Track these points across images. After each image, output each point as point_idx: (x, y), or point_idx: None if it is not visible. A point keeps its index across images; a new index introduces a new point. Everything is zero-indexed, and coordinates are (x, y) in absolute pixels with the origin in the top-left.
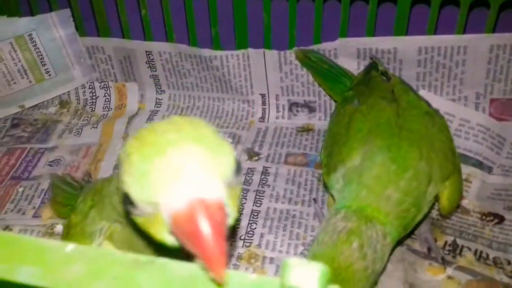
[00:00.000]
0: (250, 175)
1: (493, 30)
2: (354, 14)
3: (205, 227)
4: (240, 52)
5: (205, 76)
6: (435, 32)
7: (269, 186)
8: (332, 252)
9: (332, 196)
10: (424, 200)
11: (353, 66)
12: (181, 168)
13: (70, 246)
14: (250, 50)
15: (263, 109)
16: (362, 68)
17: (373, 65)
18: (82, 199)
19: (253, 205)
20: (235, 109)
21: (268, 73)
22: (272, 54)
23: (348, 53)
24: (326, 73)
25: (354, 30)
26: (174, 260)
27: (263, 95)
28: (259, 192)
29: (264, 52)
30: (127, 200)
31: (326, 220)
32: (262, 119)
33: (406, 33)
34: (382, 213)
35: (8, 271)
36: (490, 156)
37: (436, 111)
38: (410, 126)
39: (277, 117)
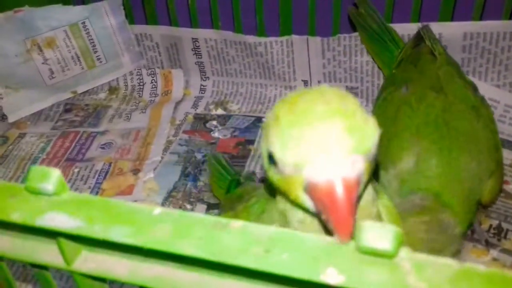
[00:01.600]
0: None
1: None
2: (398, 0)
3: (342, 204)
4: (284, 38)
5: (249, 63)
6: (480, 18)
7: None
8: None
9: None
10: (475, 198)
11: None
12: (328, 142)
13: (157, 210)
14: (294, 37)
15: None
16: None
17: (422, 36)
18: (257, 201)
19: None
20: (277, 95)
21: (310, 59)
22: (315, 41)
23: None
24: (374, 35)
25: (398, 16)
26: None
27: (305, 81)
28: None
29: (307, 38)
30: (270, 157)
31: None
32: None
33: (452, 18)
34: (455, 204)
35: (102, 230)
36: None
37: (482, 100)
38: (457, 124)
39: None
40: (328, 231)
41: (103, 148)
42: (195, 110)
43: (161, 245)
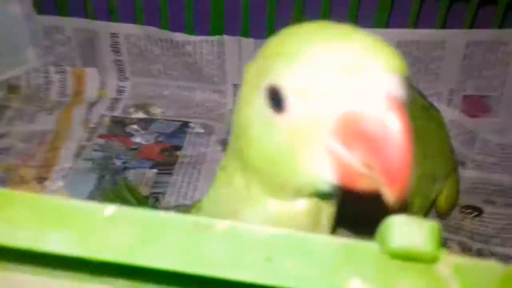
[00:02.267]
0: None
1: (471, 26)
2: (336, 4)
3: (399, 131)
4: (214, 38)
5: (175, 63)
6: (415, 26)
7: None
8: None
9: None
10: (428, 200)
11: None
12: (368, 58)
13: (109, 209)
14: (226, 37)
15: (235, 100)
16: None
17: None
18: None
19: None
20: (205, 99)
21: (242, 62)
22: (248, 42)
23: None
24: None
25: (336, 20)
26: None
27: (236, 86)
28: None
29: (240, 39)
30: (270, 102)
31: None
32: (232, 110)
33: (387, 25)
34: None
35: (29, 238)
36: (463, 152)
37: (432, 105)
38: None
39: None
40: (316, 226)
41: (0, 153)
42: (112, 112)
43: (120, 255)
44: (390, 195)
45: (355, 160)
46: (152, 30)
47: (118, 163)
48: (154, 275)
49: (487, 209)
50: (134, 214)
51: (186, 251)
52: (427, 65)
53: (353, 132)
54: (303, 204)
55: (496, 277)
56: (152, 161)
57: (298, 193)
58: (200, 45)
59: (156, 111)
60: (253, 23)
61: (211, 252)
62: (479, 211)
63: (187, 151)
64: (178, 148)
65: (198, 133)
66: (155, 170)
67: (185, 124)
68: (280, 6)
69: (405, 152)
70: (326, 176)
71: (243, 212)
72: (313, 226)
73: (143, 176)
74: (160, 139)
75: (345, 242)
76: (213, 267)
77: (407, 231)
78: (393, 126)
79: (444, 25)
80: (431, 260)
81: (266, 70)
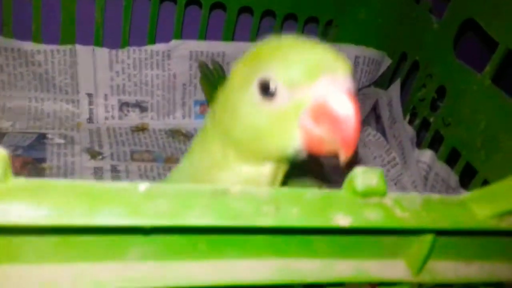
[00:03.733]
0: (100, 174)
1: None
2: (188, 16)
3: (353, 115)
4: (66, 47)
5: (22, 73)
6: (256, 39)
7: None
8: None
9: None
10: None
11: (185, 68)
12: (331, 62)
13: (142, 186)
14: (78, 46)
15: (90, 109)
16: (193, 69)
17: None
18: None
19: None
20: (57, 110)
21: (96, 71)
22: (102, 52)
23: (181, 54)
24: (216, 85)
25: (187, 32)
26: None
27: (90, 95)
28: None
29: (93, 49)
30: (260, 91)
31: None
32: (90, 120)
33: (233, 38)
34: None
35: (83, 215)
36: None
37: None
38: None
39: (106, 118)
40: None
41: None
42: None
43: (165, 219)
44: (344, 155)
45: (321, 132)
46: None
47: None
48: (192, 234)
49: None
50: (163, 188)
51: (216, 211)
52: None
53: (322, 113)
54: (268, 167)
55: (418, 201)
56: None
57: (267, 159)
58: (52, 54)
59: (4, 124)
60: (106, 33)
61: (236, 208)
62: None
63: (53, 162)
64: (42, 160)
65: (59, 144)
66: None
67: (42, 136)
68: (134, 16)
69: (355, 127)
70: (297, 145)
71: (218, 174)
72: (271, 184)
73: None
74: (18, 152)
75: (327, 191)
76: (242, 219)
77: (365, 177)
78: (349, 110)
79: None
80: (382, 194)
81: (258, 68)
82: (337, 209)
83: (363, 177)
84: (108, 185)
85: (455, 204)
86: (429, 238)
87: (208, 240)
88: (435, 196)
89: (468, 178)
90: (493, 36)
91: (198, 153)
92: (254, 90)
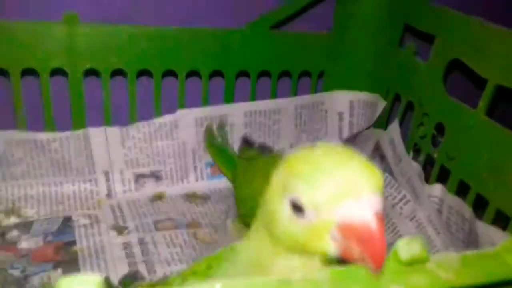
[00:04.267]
0: (129, 249)
1: (296, 94)
2: (190, 87)
3: (379, 239)
4: (80, 132)
5: (40, 162)
6: (255, 98)
7: (154, 254)
8: None
9: None
10: None
11: (192, 134)
12: (356, 182)
13: (218, 285)
14: (90, 130)
15: (108, 185)
16: (200, 134)
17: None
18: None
19: (148, 276)
20: (76, 191)
21: (110, 150)
22: (114, 131)
23: (187, 122)
24: (221, 149)
25: (190, 101)
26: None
27: (106, 172)
28: (148, 263)
29: (105, 129)
30: (294, 207)
31: None
32: (108, 196)
33: (233, 100)
34: None
35: None
36: None
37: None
38: None
39: (124, 191)
40: None
41: None
42: None
43: None
44: (373, 269)
45: (352, 247)
46: (11, 134)
47: (16, 273)
48: None
49: None
50: (238, 284)
51: None
52: (270, 128)
53: (348, 233)
54: (317, 259)
55: (457, 260)
56: (51, 262)
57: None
58: (67, 140)
59: (29, 212)
60: (115, 112)
61: None
62: None
63: (83, 243)
64: (73, 243)
65: (85, 225)
66: (60, 270)
67: (67, 219)
68: (139, 92)
69: (382, 245)
70: (332, 253)
71: (270, 261)
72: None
73: (49, 279)
74: (48, 238)
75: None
76: None
77: (407, 247)
78: (375, 229)
79: (276, 96)
80: (425, 260)
81: (289, 184)
82: (391, 280)
83: (406, 247)
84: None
85: (490, 257)
86: None
87: None
88: (471, 252)
89: (480, 208)
90: (480, 74)
91: (253, 239)
92: (287, 206)
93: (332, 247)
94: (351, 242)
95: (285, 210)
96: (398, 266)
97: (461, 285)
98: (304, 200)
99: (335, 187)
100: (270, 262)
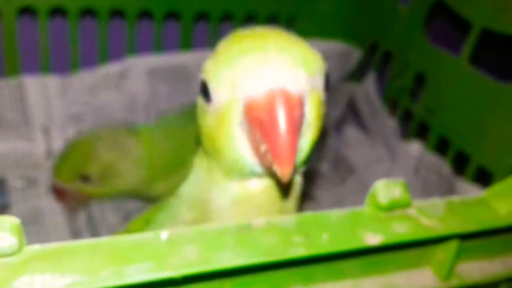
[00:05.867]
0: (71, 215)
1: None
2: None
3: (282, 118)
4: (14, 81)
5: None
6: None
7: (99, 220)
8: None
9: None
10: None
11: (143, 86)
12: (269, 57)
13: (164, 234)
14: (26, 78)
15: (47, 143)
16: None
17: None
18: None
19: None
20: (10, 149)
21: (49, 102)
22: (53, 80)
23: (137, 72)
24: None
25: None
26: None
27: (45, 128)
28: (93, 230)
29: (43, 78)
30: (204, 92)
31: None
32: (48, 155)
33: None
34: None
35: (117, 275)
36: None
37: None
38: None
39: None
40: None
41: None
42: None
43: (196, 266)
44: (278, 172)
45: (257, 140)
46: None
47: None
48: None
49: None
50: (185, 233)
51: (245, 249)
52: None
53: (252, 114)
54: (258, 184)
55: (442, 207)
56: None
57: (243, 173)
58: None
59: None
60: (54, 58)
61: (265, 244)
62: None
63: (18, 210)
64: (4, 208)
65: (22, 188)
66: None
67: (2, 181)
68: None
69: (286, 141)
70: (248, 156)
71: (211, 196)
72: (273, 204)
73: None
74: None
75: (351, 211)
76: (274, 254)
77: (388, 190)
78: (278, 116)
79: None
80: (406, 205)
81: (206, 64)
82: (366, 228)
83: (385, 190)
84: (129, 239)
85: (476, 203)
86: (454, 243)
87: (237, 281)
88: (457, 198)
89: (460, 165)
90: (465, 17)
91: (193, 175)
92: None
93: (240, 141)
94: (256, 129)
95: (200, 100)
96: (376, 211)
97: (446, 233)
98: (209, 76)
99: (239, 61)
100: (210, 196)
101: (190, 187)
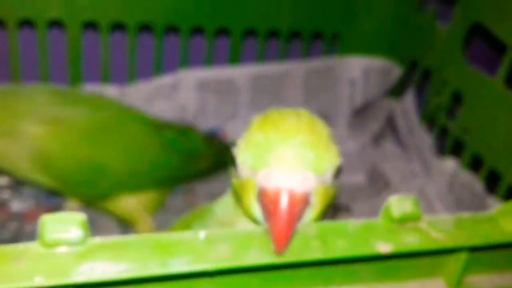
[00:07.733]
0: None
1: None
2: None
3: (283, 213)
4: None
5: None
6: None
7: None
8: None
9: None
10: None
11: (193, 97)
12: (286, 153)
13: (202, 233)
14: (87, 87)
15: None
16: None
17: None
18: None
19: None
20: None
21: None
22: (111, 90)
23: (187, 84)
24: None
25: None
26: None
27: None
28: None
29: (102, 88)
30: (232, 162)
31: None
32: None
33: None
34: None
35: (162, 265)
36: None
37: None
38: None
39: None
40: None
41: None
42: None
43: (227, 262)
44: (274, 246)
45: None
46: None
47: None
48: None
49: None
50: (220, 234)
51: (270, 249)
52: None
53: (262, 199)
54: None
55: (450, 222)
56: None
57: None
58: None
59: None
60: (113, 69)
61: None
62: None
63: None
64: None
65: None
66: None
67: None
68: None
69: (285, 224)
70: (259, 216)
71: (237, 221)
72: None
73: None
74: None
75: (366, 222)
76: (295, 255)
77: (400, 205)
78: (282, 205)
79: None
80: (417, 218)
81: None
82: (378, 237)
83: (398, 204)
84: (173, 236)
85: (485, 220)
86: (463, 255)
87: (262, 277)
88: (466, 215)
89: (492, 184)
90: (501, 39)
91: (224, 201)
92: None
93: (256, 209)
94: (264, 211)
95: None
96: (389, 223)
97: (452, 246)
98: (237, 156)
99: (264, 152)
100: (236, 220)
101: (221, 207)
